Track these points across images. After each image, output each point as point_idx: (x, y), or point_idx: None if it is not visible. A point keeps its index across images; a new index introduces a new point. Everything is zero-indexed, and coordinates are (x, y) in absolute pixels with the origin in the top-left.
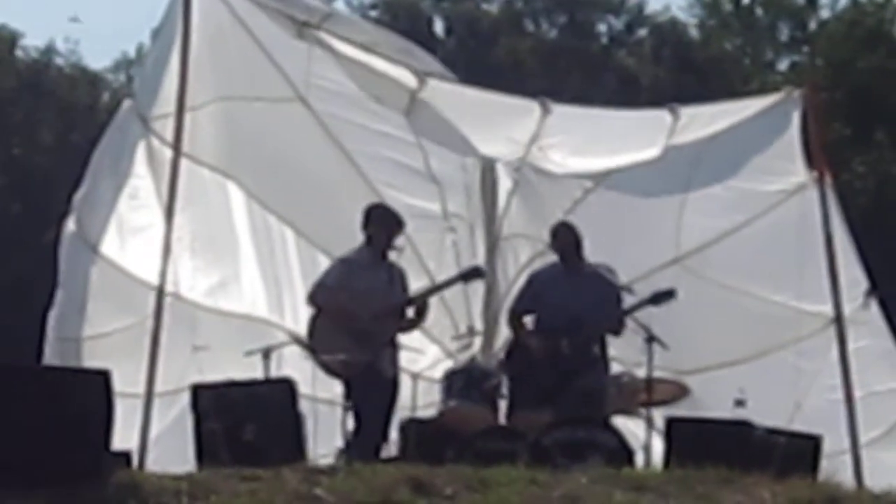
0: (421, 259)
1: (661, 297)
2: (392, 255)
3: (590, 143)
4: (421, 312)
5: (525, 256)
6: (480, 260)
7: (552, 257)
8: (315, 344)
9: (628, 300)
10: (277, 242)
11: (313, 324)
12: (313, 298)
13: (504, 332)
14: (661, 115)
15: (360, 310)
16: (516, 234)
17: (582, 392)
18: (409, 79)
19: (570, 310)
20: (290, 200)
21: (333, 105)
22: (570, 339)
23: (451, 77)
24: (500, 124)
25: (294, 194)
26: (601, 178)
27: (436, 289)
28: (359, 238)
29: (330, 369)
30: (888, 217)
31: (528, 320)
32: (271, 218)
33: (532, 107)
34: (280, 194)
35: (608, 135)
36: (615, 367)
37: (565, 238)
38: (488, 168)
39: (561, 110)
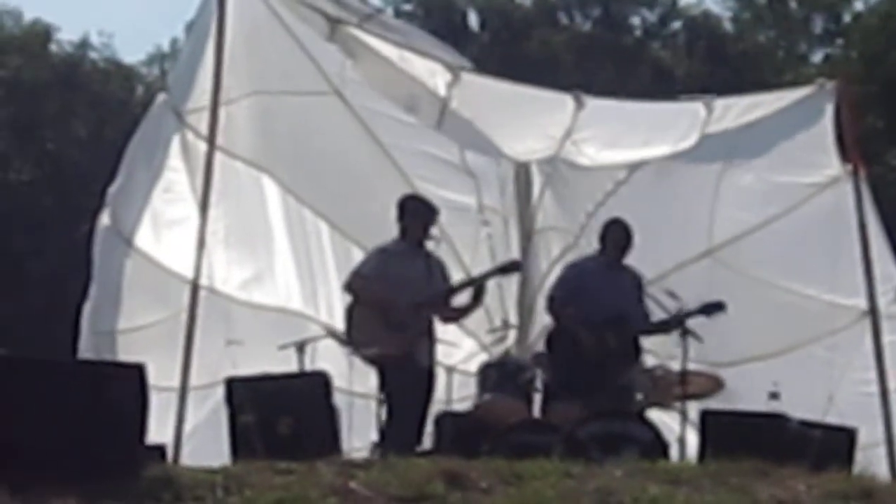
0: (456, 252)
1: (712, 308)
2: (429, 245)
3: (623, 135)
4: (478, 296)
5: (557, 249)
6: (514, 253)
7: (583, 251)
8: (351, 333)
9: (670, 304)
10: (312, 236)
11: (350, 313)
12: (350, 286)
13: (538, 326)
14: (696, 108)
15: (397, 298)
16: (549, 227)
17: (622, 386)
18: (443, 73)
19: (614, 305)
20: (325, 194)
21: (368, 98)
22: (616, 333)
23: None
24: (534, 119)
25: (329, 188)
26: (632, 170)
27: (473, 281)
28: (394, 231)
29: (366, 358)
30: None
31: (569, 311)
32: (306, 211)
33: (566, 100)
34: (315, 188)
35: (642, 127)
36: (650, 360)
37: (618, 236)
38: (522, 165)
39: (594, 104)
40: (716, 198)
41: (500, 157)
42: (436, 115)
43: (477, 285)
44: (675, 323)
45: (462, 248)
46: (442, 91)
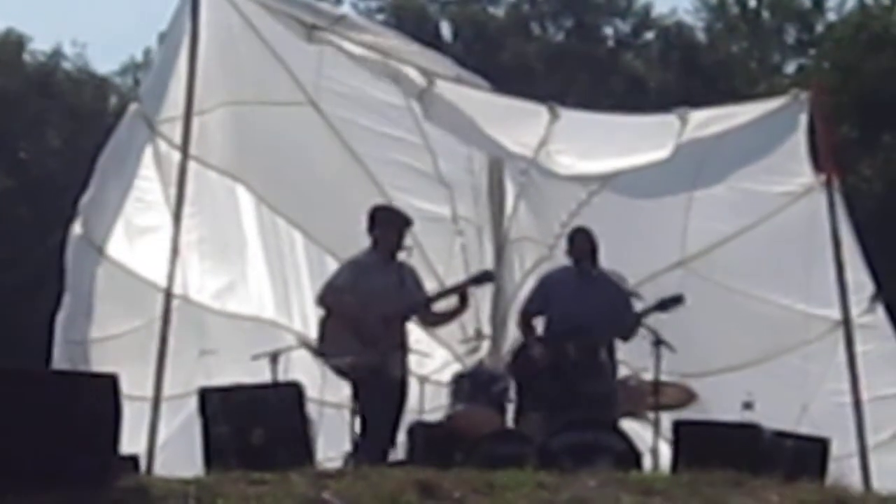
0: (429, 262)
1: (669, 302)
2: (402, 255)
3: (598, 148)
4: (464, 301)
5: (531, 260)
6: (489, 263)
7: (558, 261)
8: (324, 345)
9: (636, 306)
10: (286, 245)
11: (323, 325)
12: (322, 299)
13: (512, 336)
14: (670, 120)
15: (367, 312)
16: (523, 237)
17: (589, 397)
18: (418, 78)
19: (578, 315)
20: (299, 203)
21: (343, 108)
22: (577, 344)
23: (467, 76)
24: (509, 127)
25: (303, 197)
26: (606, 181)
27: (446, 292)
28: (367, 241)
29: (338, 370)
30: (894, 219)
31: (538, 323)
32: (280, 220)
33: (540, 111)
34: (289, 197)
35: (617, 140)
36: (622, 371)
37: (582, 244)
38: (495, 169)
39: (569, 115)
40: (689, 207)
41: (483, 138)
42: (418, 90)
43: (458, 292)
44: (636, 322)
45: (436, 258)
46: (421, 83)
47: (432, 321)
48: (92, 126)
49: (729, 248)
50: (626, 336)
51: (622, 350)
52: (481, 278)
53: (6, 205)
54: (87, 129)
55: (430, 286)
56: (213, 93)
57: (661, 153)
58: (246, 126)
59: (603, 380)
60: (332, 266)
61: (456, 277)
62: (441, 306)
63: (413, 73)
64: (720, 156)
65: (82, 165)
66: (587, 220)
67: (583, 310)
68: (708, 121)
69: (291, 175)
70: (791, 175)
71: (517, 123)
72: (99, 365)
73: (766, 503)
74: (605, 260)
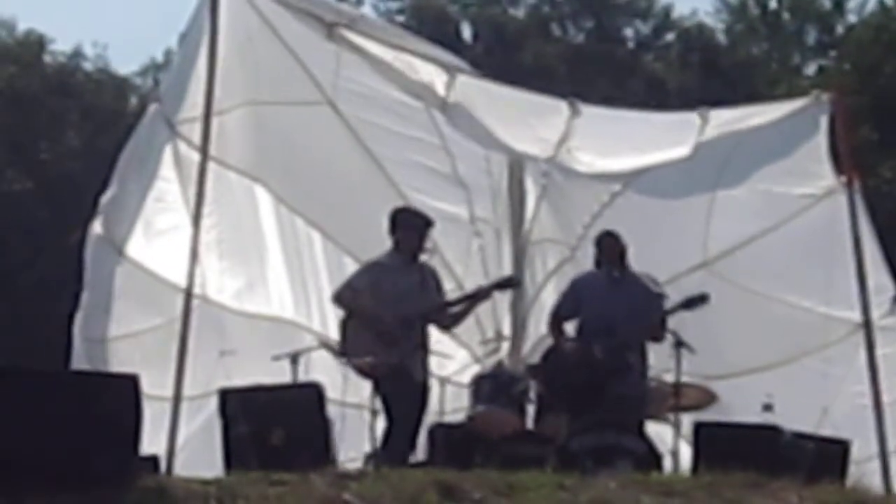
0: (447, 263)
1: (694, 301)
2: (423, 257)
3: (619, 144)
4: (475, 302)
5: (553, 261)
6: (507, 264)
7: (581, 262)
8: (346, 346)
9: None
10: (304, 245)
11: (345, 326)
12: (339, 299)
13: (532, 337)
14: (691, 118)
15: (386, 313)
16: (545, 238)
17: (614, 399)
18: (439, 75)
19: (606, 316)
20: (318, 204)
21: (361, 108)
22: (604, 345)
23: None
24: (530, 123)
25: (321, 198)
26: (629, 182)
27: (469, 297)
28: (385, 241)
29: (360, 371)
30: None
31: (569, 326)
32: (298, 221)
33: (561, 107)
34: (307, 198)
35: (637, 136)
36: None
37: (610, 247)
38: (516, 170)
39: (590, 111)
40: (710, 209)
41: (501, 146)
42: (439, 100)
43: (482, 297)
44: (662, 322)
45: (454, 260)
46: (440, 90)
47: (448, 323)
48: (112, 126)
49: (750, 250)
50: (657, 337)
51: None
52: (506, 283)
53: (26, 205)
54: (106, 130)
55: (448, 287)
56: (232, 93)
57: (682, 150)
58: (264, 126)
59: (630, 382)
60: (351, 266)
61: (474, 278)
62: (456, 308)
63: (433, 77)
64: (741, 158)
65: (102, 166)
66: (609, 221)
67: (613, 312)
68: (729, 120)
69: (310, 175)
70: (812, 177)
71: (538, 118)
72: (117, 364)
73: None
74: (629, 261)
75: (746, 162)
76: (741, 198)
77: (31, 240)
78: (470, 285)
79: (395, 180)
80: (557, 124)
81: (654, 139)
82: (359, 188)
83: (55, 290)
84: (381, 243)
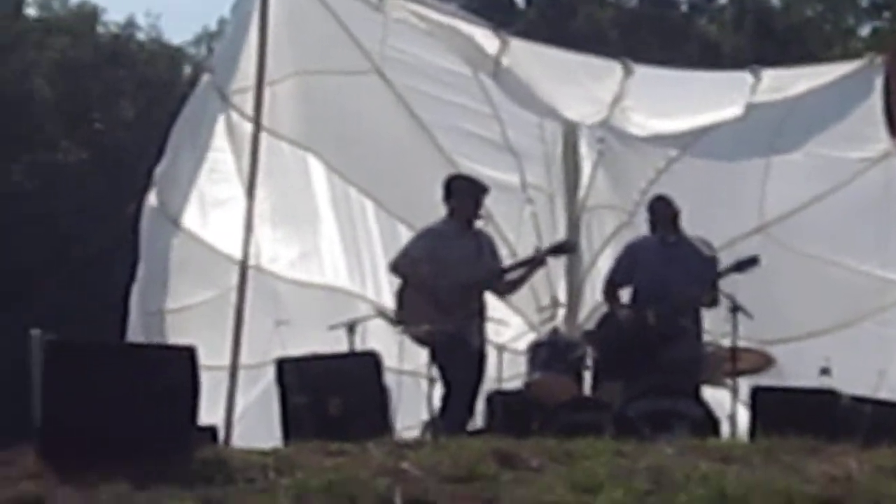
0: (500, 230)
1: (745, 263)
2: (479, 224)
3: (672, 103)
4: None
5: (610, 227)
6: (561, 231)
7: (638, 227)
8: (402, 314)
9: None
10: (358, 214)
11: (401, 294)
12: (396, 267)
13: (588, 303)
14: (743, 76)
15: (443, 281)
16: (601, 204)
17: (670, 364)
18: (491, 39)
19: (660, 282)
20: (370, 172)
21: (409, 77)
22: (659, 310)
23: None
24: (583, 84)
25: (373, 166)
26: (685, 146)
27: (525, 262)
28: (437, 208)
29: (417, 339)
30: None
31: (625, 292)
32: (351, 190)
33: (614, 67)
34: (359, 166)
35: (690, 95)
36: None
37: (662, 211)
38: (570, 137)
39: (643, 71)
40: (766, 174)
41: (551, 112)
42: (490, 65)
43: (538, 263)
44: (714, 287)
45: (506, 227)
46: (493, 54)
47: (505, 290)
48: (165, 96)
49: (806, 214)
50: (710, 302)
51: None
52: (562, 248)
53: (81, 176)
54: (160, 100)
55: (502, 254)
56: (283, 63)
57: (735, 110)
58: (315, 96)
59: (686, 346)
60: (404, 234)
61: (527, 245)
62: (513, 274)
63: (484, 41)
64: (796, 122)
65: (156, 136)
66: (666, 186)
67: (667, 276)
68: (782, 78)
69: (361, 144)
70: (867, 140)
71: (591, 79)
72: (174, 335)
73: (845, 469)
74: (686, 227)
75: (801, 126)
76: (797, 162)
77: (87, 211)
78: (523, 253)
79: (445, 148)
80: (611, 85)
81: (707, 97)
82: (409, 157)
83: (110, 262)
84: (433, 211)
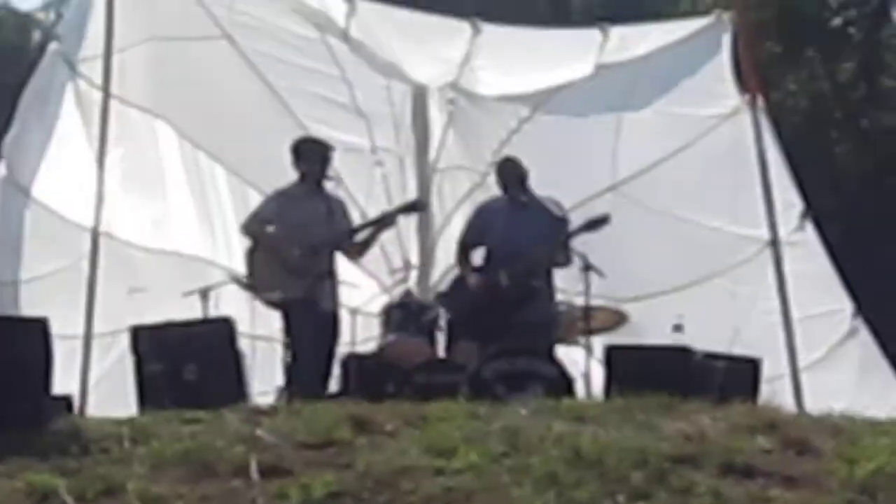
0: (350, 193)
1: (596, 222)
2: (329, 186)
3: (521, 62)
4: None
5: (463, 189)
6: (412, 193)
7: (492, 189)
8: (253, 277)
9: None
10: (208, 180)
11: (251, 257)
12: (247, 229)
13: (441, 265)
14: (592, 34)
15: (293, 243)
16: (453, 166)
17: (523, 325)
18: (338, 4)
19: (511, 243)
20: (220, 138)
21: (257, 41)
22: (512, 271)
23: None
24: (432, 44)
25: (223, 132)
26: (536, 105)
27: (377, 221)
28: (288, 173)
29: (269, 303)
30: (821, 134)
31: (476, 254)
32: (201, 155)
33: (463, 27)
34: (209, 132)
35: (539, 53)
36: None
37: (511, 173)
38: (419, 98)
39: (491, 30)
40: (618, 133)
41: (403, 80)
42: (338, 30)
43: (387, 223)
44: (564, 244)
45: (356, 190)
46: (341, 22)
47: (355, 251)
48: (14, 63)
49: (658, 172)
50: (562, 262)
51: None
52: (411, 207)
53: None
54: (9, 67)
55: (353, 217)
56: (132, 30)
57: (585, 68)
58: (164, 62)
59: (539, 307)
60: (256, 199)
61: (378, 207)
62: (363, 235)
63: (332, 3)
64: (646, 80)
65: (6, 103)
66: (518, 147)
67: (517, 237)
68: (631, 36)
69: (211, 109)
70: (717, 97)
71: (440, 40)
72: (29, 306)
73: (698, 427)
74: (538, 187)
75: (651, 84)
76: (648, 120)
77: None
78: (373, 214)
79: (295, 112)
80: (459, 45)
81: (557, 56)
82: (259, 121)
83: None
84: (284, 175)
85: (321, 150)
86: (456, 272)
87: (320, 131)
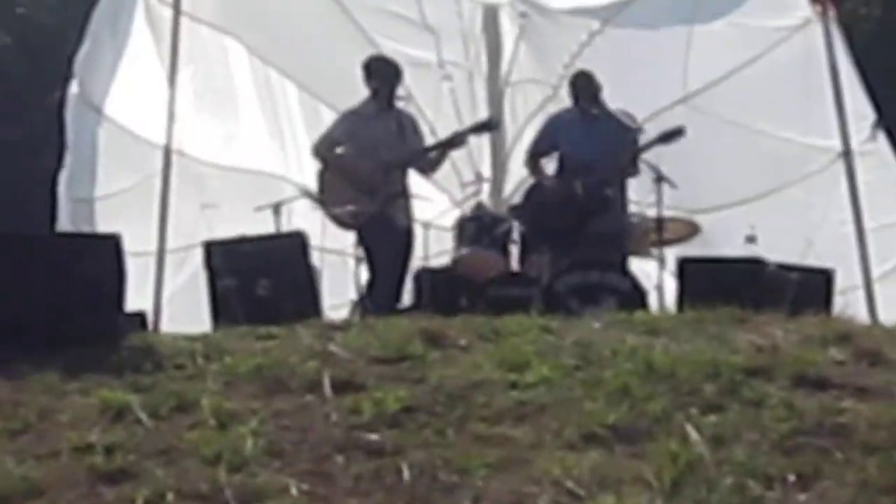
0: (419, 108)
1: (670, 135)
2: (400, 104)
3: None
4: (449, 146)
5: (535, 102)
6: (481, 107)
7: (563, 101)
8: (325, 197)
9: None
10: (279, 96)
11: (322, 177)
12: (318, 151)
13: (514, 178)
14: None
15: (365, 161)
16: (525, 79)
17: (596, 236)
18: None
19: (583, 153)
20: (289, 54)
21: None
22: (584, 181)
23: None
24: None
25: (293, 48)
26: (607, 18)
27: (447, 142)
28: (358, 89)
29: (341, 221)
30: (893, 43)
31: (549, 167)
32: (272, 72)
33: None
34: (280, 49)
35: None
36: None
37: (584, 88)
38: (490, 12)
39: None
40: (689, 45)
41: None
42: None
43: (459, 142)
44: (635, 156)
45: (424, 105)
46: None
47: (428, 167)
48: None
49: (730, 84)
50: (631, 173)
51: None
52: (483, 126)
53: (5, 60)
54: None
55: (423, 131)
56: None
57: None
58: None
59: (611, 218)
60: (327, 115)
61: (446, 122)
62: (434, 153)
63: None
64: None
65: (79, 20)
66: (589, 60)
67: (589, 148)
68: None
69: (281, 27)
70: (788, 8)
71: None
72: (102, 223)
73: (771, 338)
74: (610, 100)
75: None
76: (718, 32)
77: (13, 96)
78: (441, 129)
79: (364, 28)
80: None
81: None
82: (328, 37)
83: (37, 146)
84: (354, 91)
85: (392, 69)
86: (529, 184)
87: (389, 46)
